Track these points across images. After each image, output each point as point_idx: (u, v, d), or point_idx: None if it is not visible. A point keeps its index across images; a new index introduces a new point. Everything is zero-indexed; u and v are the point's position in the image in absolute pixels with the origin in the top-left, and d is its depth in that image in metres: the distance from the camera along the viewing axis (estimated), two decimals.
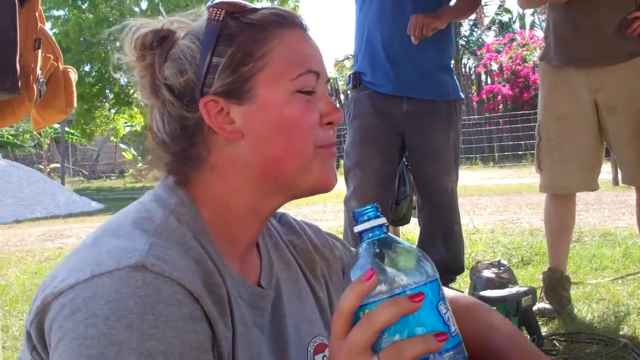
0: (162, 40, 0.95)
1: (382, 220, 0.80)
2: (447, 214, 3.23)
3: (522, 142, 15.33)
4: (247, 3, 0.95)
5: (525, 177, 11.41)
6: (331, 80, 21.88)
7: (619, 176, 5.04)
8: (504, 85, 17.68)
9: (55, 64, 2.13)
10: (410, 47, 2.95)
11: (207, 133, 0.93)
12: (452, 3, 3.09)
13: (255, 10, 0.95)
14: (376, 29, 3.07)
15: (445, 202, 3.21)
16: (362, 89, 3.14)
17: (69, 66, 2.21)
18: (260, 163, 0.93)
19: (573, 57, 2.94)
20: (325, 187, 0.97)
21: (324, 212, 8.06)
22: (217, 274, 0.88)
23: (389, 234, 0.80)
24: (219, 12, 0.92)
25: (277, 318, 1.01)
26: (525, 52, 18.00)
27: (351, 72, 3.27)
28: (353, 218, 0.81)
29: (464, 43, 26.01)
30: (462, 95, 3.28)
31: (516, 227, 5.72)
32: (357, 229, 0.80)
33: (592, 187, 3.09)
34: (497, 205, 7.71)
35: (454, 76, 3.25)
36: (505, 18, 27.46)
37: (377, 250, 0.78)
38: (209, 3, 0.94)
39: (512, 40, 20.01)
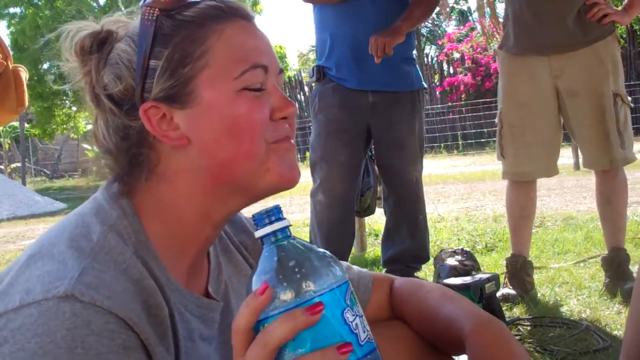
0: (101, 44, 0.90)
1: (285, 222, 0.74)
2: (413, 204, 3.25)
3: (485, 130, 15.50)
4: None
5: (488, 164, 11.52)
6: (295, 72, 21.84)
7: (580, 161, 5.09)
8: (465, 75, 17.81)
9: (5, 62, 2.07)
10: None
11: (153, 141, 0.88)
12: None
13: (191, 5, 0.89)
14: (339, 25, 3.07)
15: (410, 192, 3.22)
16: (327, 82, 3.14)
17: (19, 65, 2.15)
18: (212, 168, 0.88)
19: (535, 44, 2.96)
20: (286, 183, 0.92)
21: (290, 204, 8.04)
22: (159, 293, 0.84)
23: (294, 237, 0.75)
24: (152, 11, 0.86)
25: (226, 327, 0.97)
26: (487, 40, 18.13)
27: (314, 65, 3.26)
28: (254, 222, 0.75)
29: (425, 33, 26.13)
30: (425, 85, 3.30)
31: (480, 214, 5.78)
32: (258, 234, 0.74)
33: (553, 172, 3.12)
34: (461, 193, 7.78)
35: (417, 66, 3.26)
36: (465, 7, 27.69)
37: (278, 257, 0.72)
38: (142, 1, 0.88)
39: (473, 29, 20.18)
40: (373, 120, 3.12)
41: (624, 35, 16.14)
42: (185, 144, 0.88)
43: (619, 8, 3.02)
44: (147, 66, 0.86)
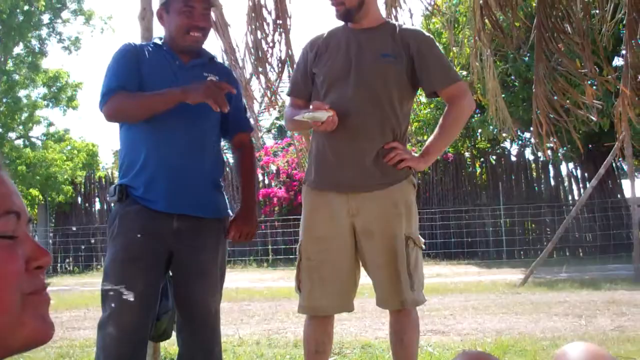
0: None
1: None
2: (209, 335, 3.08)
3: (295, 246, 15.74)
4: None
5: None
6: (107, 172, 21.20)
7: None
8: (279, 188, 18.20)
9: None
10: (189, 165, 2.92)
11: None
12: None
13: None
14: (153, 145, 2.94)
15: (207, 323, 3.07)
16: (130, 204, 2.93)
17: None
18: None
19: (334, 182, 3.02)
20: (42, 339, 0.82)
21: (85, 318, 7.50)
22: None
23: None
24: None
25: None
26: (302, 157, 18.73)
27: (116, 184, 3.08)
28: None
29: None
30: (231, 212, 3.22)
31: (281, 338, 5.69)
32: None
33: (349, 308, 3.13)
34: (265, 312, 7.68)
35: (224, 193, 3.19)
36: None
37: None
38: None
39: (290, 144, 20.83)
40: (176, 247, 2.97)
41: None
42: None
43: (417, 154, 3.16)
44: None
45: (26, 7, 20.48)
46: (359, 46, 3.05)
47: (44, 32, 22.21)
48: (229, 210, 3.19)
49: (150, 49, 3.10)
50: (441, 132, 3.11)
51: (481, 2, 4.64)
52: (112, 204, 3.12)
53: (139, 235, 2.91)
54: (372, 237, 2.98)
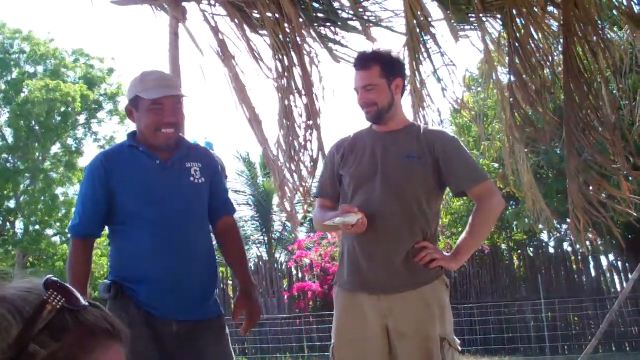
0: None
1: None
2: None
3: (330, 343, 15.41)
4: (79, 296, 0.83)
5: None
6: None
7: None
8: (314, 282, 18.02)
9: None
10: (188, 273, 2.88)
11: None
12: None
13: (85, 308, 0.82)
14: (156, 253, 2.88)
15: None
16: (129, 304, 2.86)
17: None
18: None
19: (365, 283, 2.99)
20: None
21: None
22: None
23: None
24: (57, 298, 0.79)
25: None
26: (334, 250, 18.62)
27: (110, 280, 2.94)
28: None
29: (277, 238, 26.63)
30: (223, 311, 3.11)
31: None
32: None
33: None
34: None
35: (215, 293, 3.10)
36: None
37: None
38: (48, 277, 0.82)
39: (323, 238, 20.74)
40: (177, 349, 2.86)
41: None
42: None
43: (449, 254, 3.11)
44: (25, 348, 0.76)
45: (63, 109, 21.21)
46: (384, 148, 3.08)
47: (80, 132, 22.93)
48: (222, 309, 3.09)
49: (126, 153, 3.01)
50: (471, 232, 3.07)
51: (511, 100, 4.67)
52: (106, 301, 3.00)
53: (141, 336, 2.81)
54: (405, 339, 2.91)
